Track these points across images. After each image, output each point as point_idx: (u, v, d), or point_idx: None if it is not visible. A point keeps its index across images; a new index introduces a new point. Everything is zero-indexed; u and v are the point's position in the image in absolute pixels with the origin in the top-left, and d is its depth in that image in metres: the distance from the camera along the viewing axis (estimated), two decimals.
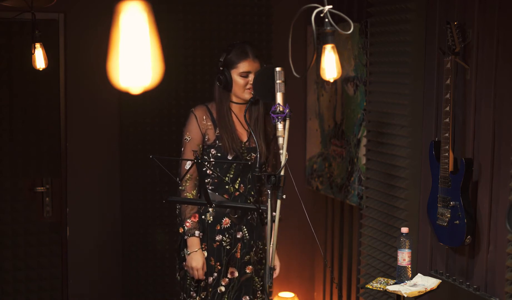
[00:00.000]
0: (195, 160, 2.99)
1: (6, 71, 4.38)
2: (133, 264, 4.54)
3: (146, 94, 2.11)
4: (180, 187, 3.36)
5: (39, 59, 3.65)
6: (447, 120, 3.09)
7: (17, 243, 4.45)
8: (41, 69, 3.68)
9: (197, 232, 3.35)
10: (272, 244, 2.85)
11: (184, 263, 3.42)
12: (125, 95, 2.98)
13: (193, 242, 3.34)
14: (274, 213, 3.42)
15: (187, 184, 3.35)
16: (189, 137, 3.38)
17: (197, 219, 3.36)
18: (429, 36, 3.44)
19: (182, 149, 3.40)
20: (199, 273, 3.35)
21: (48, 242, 4.51)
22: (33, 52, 3.61)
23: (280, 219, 3.39)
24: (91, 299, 4.57)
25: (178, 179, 3.33)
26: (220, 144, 3.36)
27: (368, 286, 3.16)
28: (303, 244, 4.84)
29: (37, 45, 3.61)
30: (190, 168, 3.30)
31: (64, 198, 4.49)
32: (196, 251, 3.34)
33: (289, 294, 4.73)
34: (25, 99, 4.42)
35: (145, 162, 4.43)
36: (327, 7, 1.98)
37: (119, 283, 4.56)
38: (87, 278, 4.54)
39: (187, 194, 3.35)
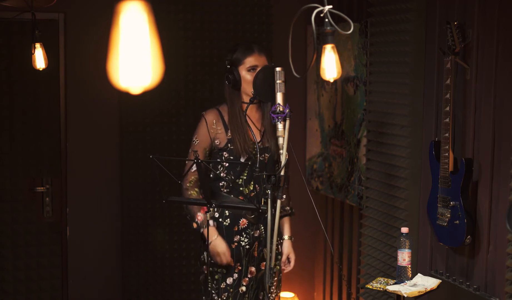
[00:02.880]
0: (195, 161, 2.99)
1: (6, 71, 4.38)
2: (133, 264, 4.54)
3: (146, 94, 2.11)
4: (184, 186, 3.35)
5: (39, 59, 3.65)
6: (447, 120, 3.09)
7: (17, 243, 4.45)
8: (41, 69, 3.68)
9: (211, 222, 3.33)
10: (272, 245, 2.86)
11: (204, 267, 3.39)
12: (125, 95, 2.98)
13: (210, 232, 3.32)
14: (287, 207, 3.41)
15: (191, 184, 3.35)
16: (197, 140, 3.37)
17: (205, 210, 3.33)
18: (429, 36, 3.44)
19: (190, 150, 3.40)
20: (226, 257, 3.31)
21: (48, 242, 4.51)
22: (33, 52, 3.61)
23: (292, 213, 3.42)
24: (91, 299, 4.57)
25: (183, 176, 3.32)
26: (232, 147, 3.34)
27: (368, 286, 3.16)
28: (303, 244, 4.84)
29: (37, 45, 3.61)
30: (190, 167, 3.30)
31: (64, 198, 4.49)
32: (215, 238, 3.32)
33: (289, 294, 4.73)
34: (25, 99, 4.42)
35: (145, 162, 4.43)
36: (327, 7, 1.98)
37: (119, 283, 4.56)
38: (87, 278, 4.54)
39: (192, 192, 3.34)
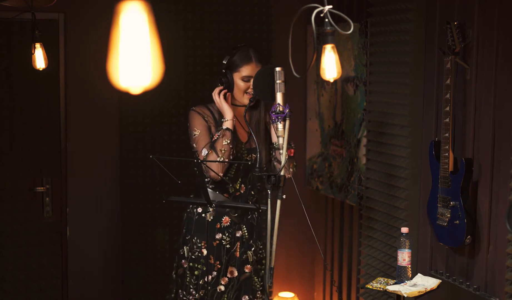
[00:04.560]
0: (195, 161, 2.99)
1: (6, 71, 4.38)
2: (133, 264, 4.54)
3: (146, 94, 2.11)
4: (201, 158, 3.32)
5: (39, 59, 3.65)
6: (447, 120, 3.09)
7: (17, 243, 4.45)
8: (41, 69, 3.68)
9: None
10: (273, 245, 2.85)
11: (183, 261, 3.42)
12: (125, 95, 2.98)
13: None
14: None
15: (207, 151, 3.32)
16: (197, 131, 3.35)
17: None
18: (429, 36, 3.44)
19: (194, 144, 3.35)
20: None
21: (48, 242, 4.51)
22: (33, 52, 3.61)
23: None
24: (91, 299, 4.57)
25: (199, 153, 3.30)
26: None
27: (368, 286, 3.16)
28: (303, 244, 4.84)
29: (37, 45, 3.61)
30: (207, 154, 3.27)
31: (64, 198, 4.49)
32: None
33: (289, 294, 4.73)
34: (25, 99, 4.42)
35: (145, 162, 4.43)
36: (327, 7, 1.98)
37: (119, 283, 4.56)
38: (87, 278, 4.54)
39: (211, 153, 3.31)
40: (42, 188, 4.48)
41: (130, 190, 4.50)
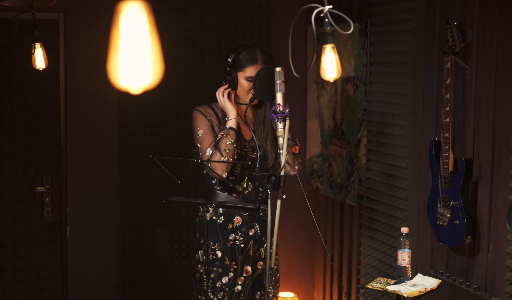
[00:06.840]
0: (195, 161, 2.98)
1: (6, 71, 4.38)
2: (133, 264, 4.54)
3: (146, 94, 2.11)
4: (205, 158, 3.28)
5: (39, 59, 3.65)
6: (447, 120, 3.09)
7: (17, 243, 4.45)
8: (41, 69, 3.68)
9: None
10: (272, 245, 2.85)
11: (199, 266, 3.41)
12: (125, 95, 2.98)
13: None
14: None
15: (211, 152, 3.27)
16: (201, 131, 3.32)
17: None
18: (429, 36, 3.44)
19: (198, 145, 3.31)
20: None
21: (48, 242, 4.51)
22: (33, 52, 3.61)
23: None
24: (91, 299, 4.57)
25: (203, 153, 3.29)
26: None
27: (368, 286, 3.16)
28: (303, 244, 4.84)
29: (37, 45, 3.61)
30: (211, 154, 3.23)
31: (64, 198, 4.49)
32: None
33: (289, 294, 4.73)
34: (25, 99, 4.42)
35: (145, 162, 4.43)
36: (327, 7, 1.98)
37: (119, 283, 4.56)
38: (87, 278, 4.54)
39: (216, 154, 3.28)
40: (42, 188, 4.48)
41: (130, 190, 4.50)
